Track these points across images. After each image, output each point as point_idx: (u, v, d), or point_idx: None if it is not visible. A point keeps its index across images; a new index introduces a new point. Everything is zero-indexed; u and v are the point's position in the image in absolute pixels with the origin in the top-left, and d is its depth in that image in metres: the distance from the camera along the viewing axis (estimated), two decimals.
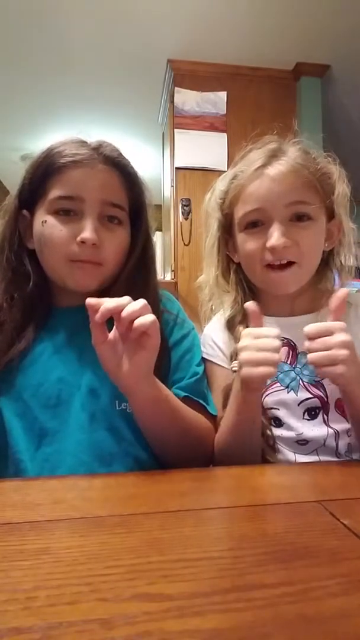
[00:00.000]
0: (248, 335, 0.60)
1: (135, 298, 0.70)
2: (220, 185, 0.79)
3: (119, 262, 0.69)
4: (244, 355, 0.59)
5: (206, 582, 0.30)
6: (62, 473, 0.61)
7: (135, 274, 0.71)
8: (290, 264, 0.70)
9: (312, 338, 0.57)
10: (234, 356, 0.74)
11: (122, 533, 0.38)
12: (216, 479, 0.56)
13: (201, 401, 0.70)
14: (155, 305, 0.73)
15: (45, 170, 0.66)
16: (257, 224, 0.71)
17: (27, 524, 0.39)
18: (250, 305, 0.62)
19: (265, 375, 0.57)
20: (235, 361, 0.72)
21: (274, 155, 0.71)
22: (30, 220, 0.69)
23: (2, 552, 0.34)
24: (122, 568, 0.32)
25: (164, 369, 0.71)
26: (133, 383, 0.58)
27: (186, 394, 0.69)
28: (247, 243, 0.72)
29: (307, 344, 0.57)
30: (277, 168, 0.69)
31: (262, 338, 0.58)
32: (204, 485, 0.53)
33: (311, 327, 0.57)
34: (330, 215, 0.74)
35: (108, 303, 0.54)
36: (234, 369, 0.72)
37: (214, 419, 0.72)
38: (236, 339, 0.75)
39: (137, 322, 0.53)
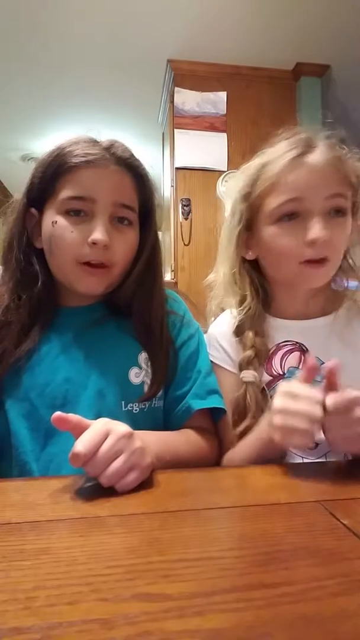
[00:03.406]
0: (286, 394, 0.53)
1: (142, 299, 0.71)
2: (243, 177, 0.73)
3: (127, 263, 0.69)
4: (277, 420, 0.52)
5: (206, 582, 0.30)
6: (67, 473, 0.61)
7: (143, 276, 0.71)
8: (324, 260, 0.67)
9: (330, 413, 0.51)
10: (243, 365, 0.71)
11: (122, 533, 0.38)
12: (216, 479, 0.56)
13: (209, 405, 0.70)
14: (162, 307, 0.73)
15: (55, 170, 0.65)
16: (291, 217, 0.67)
17: (27, 524, 0.39)
18: (308, 360, 0.55)
19: (299, 446, 0.52)
20: (246, 371, 0.70)
21: (309, 145, 0.67)
22: (38, 219, 0.68)
23: (2, 552, 0.34)
24: (122, 568, 0.32)
25: (171, 370, 0.71)
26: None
27: (197, 408, 0.69)
28: (281, 237, 0.68)
29: (326, 420, 0.51)
30: (315, 158, 0.66)
31: (302, 401, 0.51)
32: (204, 485, 0.53)
33: (331, 403, 0.51)
34: (353, 212, 0.72)
35: (79, 446, 0.46)
36: (244, 378, 0.70)
37: (213, 429, 0.72)
38: (244, 345, 0.73)
39: (119, 489, 0.47)
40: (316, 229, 0.64)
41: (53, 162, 0.65)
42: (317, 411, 0.50)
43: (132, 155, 0.68)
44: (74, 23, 2.43)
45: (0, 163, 3.97)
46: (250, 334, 0.73)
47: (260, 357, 0.71)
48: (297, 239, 0.66)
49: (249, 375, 0.70)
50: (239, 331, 0.75)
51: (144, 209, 0.71)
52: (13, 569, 0.32)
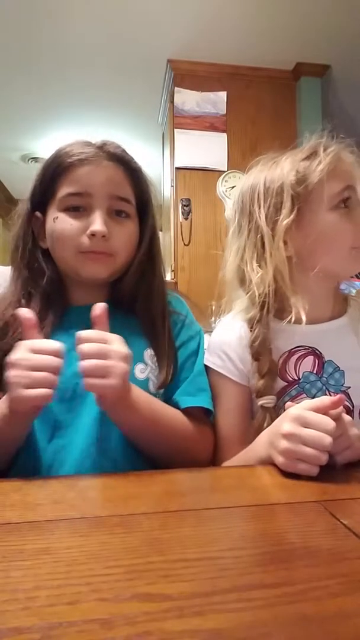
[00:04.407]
0: (295, 420, 0.52)
1: (144, 290, 0.73)
2: (292, 162, 0.70)
3: (129, 254, 0.72)
4: (282, 444, 0.51)
5: (206, 582, 0.30)
6: (70, 466, 0.62)
7: (144, 267, 0.73)
8: None
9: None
10: (262, 391, 0.68)
11: (122, 533, 0.38)
12: (216, 479, 0.56)
13: (196, 403, 0.70)
14: (162, 296, 0.76)
15: (54, 171, 0.69)
16: (346, 203, 0.69)
17: (27, 524, 0.39)
18: (336, 397, 0.54)
19: (303, 472, 0.50)
20: (267, 397, 0.68)
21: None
22: (42, 221, 0.72)
23: (2, 552, 0.34)
24: (122, 568, 0.32)
25: (172, 370, 0.71)
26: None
27: (186, 406, 0.69)
28: (339, 222, 0.68)
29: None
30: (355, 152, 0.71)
31: (312, 429, 0.50)
32: (204, 485, 0.53)
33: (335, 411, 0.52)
34: None
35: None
36: (265, 404, 0.68)
37: (209, 424, 0.72)
38: (261, 370, 0.69)
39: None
40: None
41: (52, 164, 0.70)
42: (328, 440, 0.49)
43: (123, 150, 0.72)
44: (74, 23, 2.42)
45: (0, 163, 3.98)
46: (268, 359, 0.70)
47: (274, 371, 0.70)
48: (353, 224, 0.69)
49: (270, 400, 0.68)
50: (257, 355, 0.70)
51: (140, 203, 0.73)
52: (13, 569, 0.32)
